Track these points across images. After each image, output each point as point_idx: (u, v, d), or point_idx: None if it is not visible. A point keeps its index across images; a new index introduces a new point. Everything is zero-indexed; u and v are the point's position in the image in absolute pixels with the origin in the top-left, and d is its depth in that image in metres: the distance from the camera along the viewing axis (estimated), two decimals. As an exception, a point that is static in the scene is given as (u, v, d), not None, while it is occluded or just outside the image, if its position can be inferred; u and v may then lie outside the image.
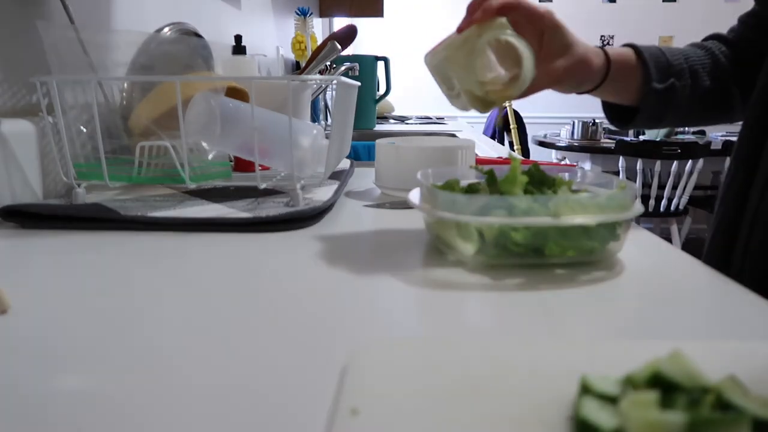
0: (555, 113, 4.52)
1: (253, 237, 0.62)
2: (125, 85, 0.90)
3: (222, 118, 0.77)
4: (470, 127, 2.80)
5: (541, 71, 0.64)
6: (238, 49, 1.23)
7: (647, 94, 0.68)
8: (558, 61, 0.65)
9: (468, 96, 0.64)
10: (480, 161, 0.97)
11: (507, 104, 3.88)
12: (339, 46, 1.19)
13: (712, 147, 3.36)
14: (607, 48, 0.71)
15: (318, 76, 1.30)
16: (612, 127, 4.33)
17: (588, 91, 0.73)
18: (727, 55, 0.73)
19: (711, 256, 0.71)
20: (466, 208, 0.50)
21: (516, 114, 3.89)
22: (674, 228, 3.48)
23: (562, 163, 3.27)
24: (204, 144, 0.82)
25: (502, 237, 0.51)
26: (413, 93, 4.71)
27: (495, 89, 0.61)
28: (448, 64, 0.64)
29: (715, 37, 0.77)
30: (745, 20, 0.75)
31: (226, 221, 0.64)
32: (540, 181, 0.58)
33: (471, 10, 0.64)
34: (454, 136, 1.93)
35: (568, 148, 3.72)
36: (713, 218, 0.74)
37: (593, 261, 0.53)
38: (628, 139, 3.55)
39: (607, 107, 0.80)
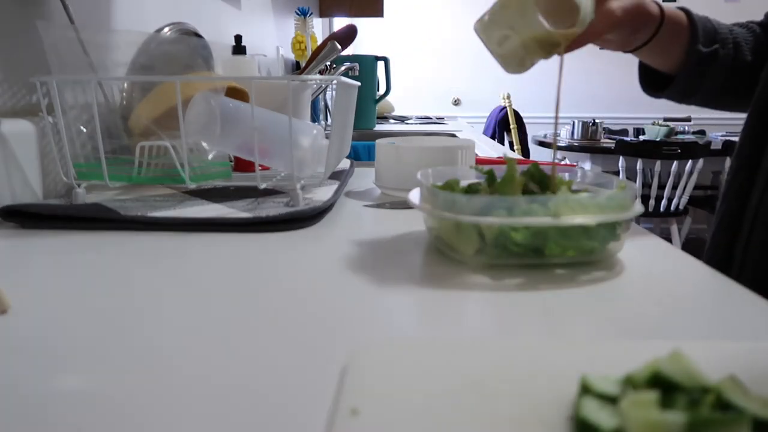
0: (555, 113, 4.52)
1: (253, 237, 0.62)
2: (125, 85, 0.90)
3: (222, 118, 0.77)
4: (470, 127, 2.80)
5: (599, 13, 0.61)
6: (238, 49, 1.23)
7: (691, 54, 0.67)
8: (615, 2, 0.63)
9: (529, 43, 0.60)
10: (480, 161, 0.97)
11: (507, 104, 3.88)
12: (339, 46, 1.19)
13: (712, 147, 3.36)
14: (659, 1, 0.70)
15: (318, 76, 1.30)
16: (612, 127, 4.31)
17: (635, 49, 0.71)
18: (762, 38, 0.73)
19: (713, 253, 0.70)
20: (466, 208, 0.50)
21: (516, 114, 3.89)
22: (674, 228, 3.48)
23: (562, 163, 3.27)
24: (204, 144, 0.82)
25: (502, 237, 0.51)
26: (413, 93, 4.71)
27: (558, 29, 0.58)
28: (504, 12, 0.60)
29: (749, 23, 0.77)
30: None
31: (226, 221, 0.64)
32: (540, 181, 0.58)
33: None
34: (454, 136, 1.93)
35: (568, 148, 3.72)
36: (715, 216, 0.73)
37: (593, 261, 0.53)
38: (628, 139, 3.55)
39: (643, 71, 0.78)
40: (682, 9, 0.72)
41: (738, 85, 0.73)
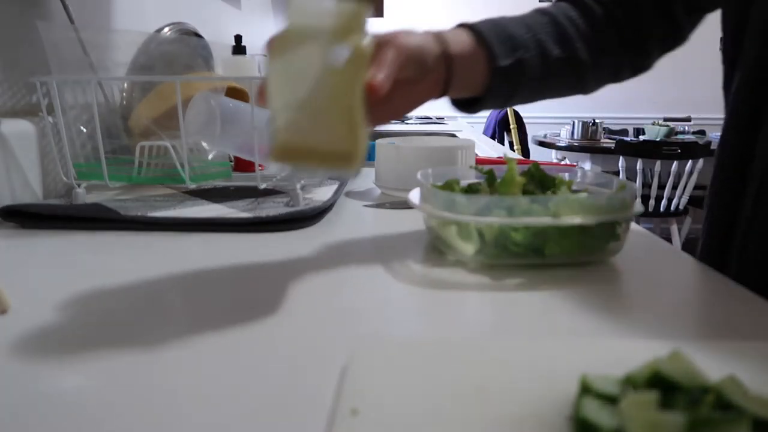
0: (555, 113, 4.52)
1: (253, 237, 0.62)
2: (125, 85, 0.90)
3: (222, 118, 0.77)
4: (470, 127, 2.80)
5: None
6: (238, 49, 1.23)
7: (494, 75, 0.61)
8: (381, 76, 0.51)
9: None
10: (480, 161, 0.97)
11: (507, 104, 3.88)
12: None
13: (712, 147, 3.36)
14: (442, 43, 0.59)
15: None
16: (612, 127, 4.31)
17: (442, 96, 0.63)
18: (575, 20, 0.66)
19: (705, 259, 0.70)
20: (466, 208, 0.50)
21: (516, 114, 3.89)
22: (674, 228, 3.48)
23: (562, 163, 3.27)
24: (204, 144, 0.82)
25: (502, 237, 0.51)
26: (413, 93, 4.71)
27: None
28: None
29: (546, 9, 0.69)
30: None
31: (226, 221, 0.64)
32: (540, 181, 0.58)
33: None
34: (454, 136, 1.93)
35: (568, 148, 3.72)
36: (703, 224, 0.73)
37: (593, 261, 0.53)
38: (628, 139, 3.55)
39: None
40: (466, 26, 0.63)
41: (556, 79, 0.67)
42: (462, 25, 0.64)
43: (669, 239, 3.48)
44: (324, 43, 0.43)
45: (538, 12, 0.68)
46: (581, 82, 0.68)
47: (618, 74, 0.71)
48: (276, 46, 0.43)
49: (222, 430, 0.28)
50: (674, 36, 0.70)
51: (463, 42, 0.61)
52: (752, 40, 0.63)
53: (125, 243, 0.59)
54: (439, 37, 0.60)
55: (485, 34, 0.62)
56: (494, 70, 0.62)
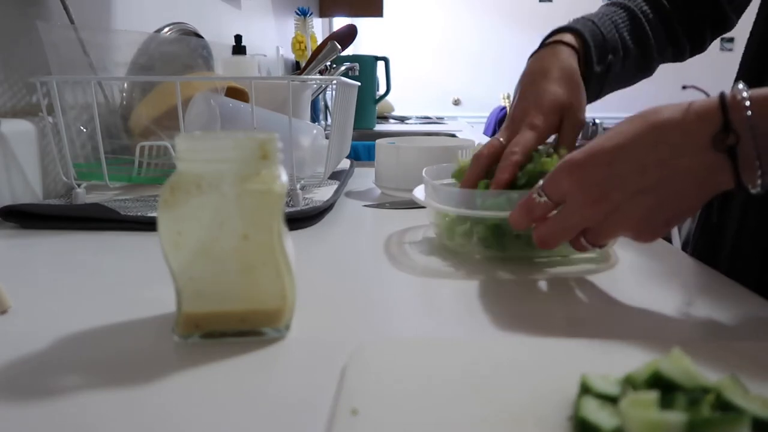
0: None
1: (253, 237, 0.62)
2: (125, 85, 0.90)
3: (222, 118, 0.77)
4: (470, 127, 2.80)
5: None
6: (238, 49, 1.23)
7: (589, 79, 0.66)
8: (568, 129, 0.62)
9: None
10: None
11: (507, 104, 3.88)
12: (339, 46, 1.19)
13: (712, 147, 3.35)
14: (565, 46, 0.66)
15: (318, 76, 1.30)
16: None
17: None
18: (648, 14, 0.72)
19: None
20: (477, 203, 0.51)
21: (516, 114, 3.89)
22: (674, 228, 3.48)
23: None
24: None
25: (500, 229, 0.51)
26: (413, 93, 4.71)
27: None
28: None
29: None
30: None
31: (226, 221, 0.64)
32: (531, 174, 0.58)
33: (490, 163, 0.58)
34: (454, 136, 1.93)
35: (568, 148, 3.72)
36: (695, 226, 0.74)
37: (593, 259, 0.53)
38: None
39: None
40: (572, 29, 0.68)
41: (632, 73, 0.74)
42: (567, 29, 0.69)
43: (669, 239, 3.48)
44: (226, 189, 0.35)
45: (618, 5, 0.73)
46: (648, 71, 0.75)
47: (678, 58, 0.77)
48: (167, 196, 0.35)
49: (222, 429, 0.28)
50: (722, 20, 0.75)
51: (570, 41, 0.67)
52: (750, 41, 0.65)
53: (125, 243, 0.59)
54: (569, 76, 0.64)
55: (588, 42, 0.67)
56: (590, 76, 0.67)
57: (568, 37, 0.67)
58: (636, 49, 0.71)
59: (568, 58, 0.64)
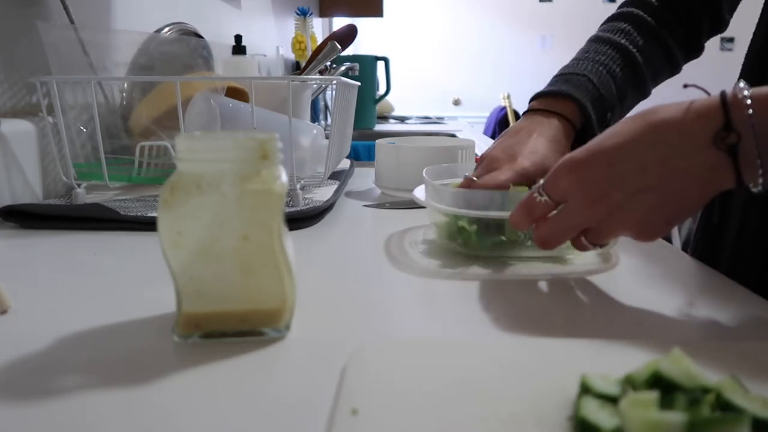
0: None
1: (253, 237, 0.62)
2: (125, 85, 0.90)
3: (222, 118, 0.77)
4: (470, 127, 2.80)
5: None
6: (238, 49, 1.23)
7: (588, 138, 0.64)
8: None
9: None
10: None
11: (507, 104, 3.88)
12: (339, 46, 1.19)
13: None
14: (556, 118, 0.66)
15: (318, 76, 1.30)
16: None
17: None
18: (637, 42, 0.71)
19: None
20: (477, 203, 0.51)
21: (516, 114, 3.89)
22: (674, 228, 3.48)
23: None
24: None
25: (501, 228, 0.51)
26: (413, 93, 4.71)
27: None
28: None
29: (636, 3, 0.74)
30: None
31: (226, 221, 0.64)
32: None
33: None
34: (454, 136, 1.93)
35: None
36: (696, 226, 0.74)
37: (593, 259, 0.53)
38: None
39: None
40: (570, 96, 0.66)
41: (628, 109, 0.73)
42: (565, 95, 0.67)
43: (669, 239, 3.48)
44: (226, 189, 0.35)
45: (612, 46, 0.71)
46: (644, 98, 0.74)
47: (674, 73, 0.77)
48: (167, 196, 0.35)
49: (222, 429, 0.28)
50: (718, 21, 0.74)
51: (568, 109, 0.66)
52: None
53: (125, 243, 0.59)
54: (557, 139, 0.63)
55: (588, 109, 0.66)
56: (590, 136, 0.65)
57: (567, 110, 0.66)
58: (633, 92, 0.71)
59: (559, 133, 0.64)
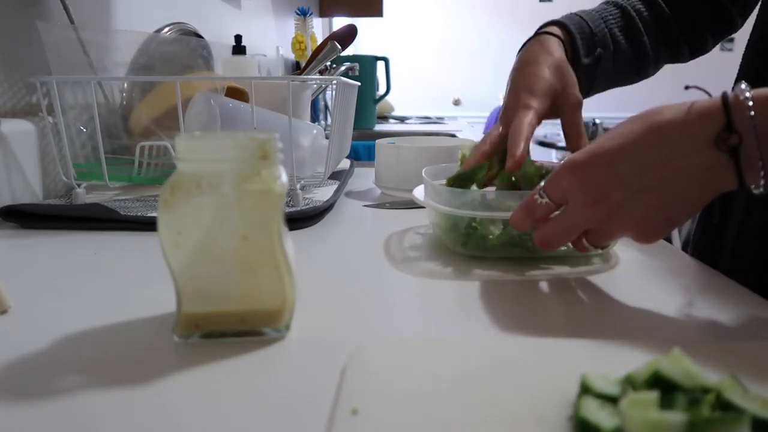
0: (555, 113, 4.53)
1: (253, 237, 0.62)
2: (125, 85, 0.90)
3: (222, 118, 0.77)
4: (470, 127, 2.80)
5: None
6: (238, 49, 1.23)
7: (577, 70, 0.66)
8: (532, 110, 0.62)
9: None
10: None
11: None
12: (339, 46, 1.19)
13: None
14: (549, 38, 0.67)
15: (318, 76, 1.30)
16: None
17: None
18: (641, 12, 0.72)
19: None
20: (476, 204, 0.50)
21: (516, 114, 3.89)
22: (675, 229, 3.48)
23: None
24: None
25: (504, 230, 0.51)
26: (413, 93, 4.71)
27: None
28: None
29: None
30: None
31: (226, 221, 0.64)
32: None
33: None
34: (454, 136, 1.93)
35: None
36: (695, 226, 0.74)
37: (591, 258, 0.53)
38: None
39: None
40: (558, 23, 0.69)
41: (626, 71, 0.74)
42: (554, 23, 0.69)
43: (669, 239, 3.47)
44: (226, 189, 0.35)
45: (612, 4, 0.74)
46: (644, 71, 0.75)
47: (677, 59, 0.77)
48: (167, 196, 0.35)
49: (222, 429, 0.28)
50: (724, 20, 0.74)
51: (555, 33, 0.68)
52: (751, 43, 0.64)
53: (125, 243, 0.59)
54: (558, 66, 0.64)
55: (573, 33, 0.68)
56: (578, 67, 0.67)
57: (554, 29, 0.68)
58: (628, 47, 0.72)
59: (555, 47, 0.65)
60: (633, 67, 0.73)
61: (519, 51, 0.68)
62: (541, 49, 0.65)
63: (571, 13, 0.71)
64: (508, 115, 0.61)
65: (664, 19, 0.73)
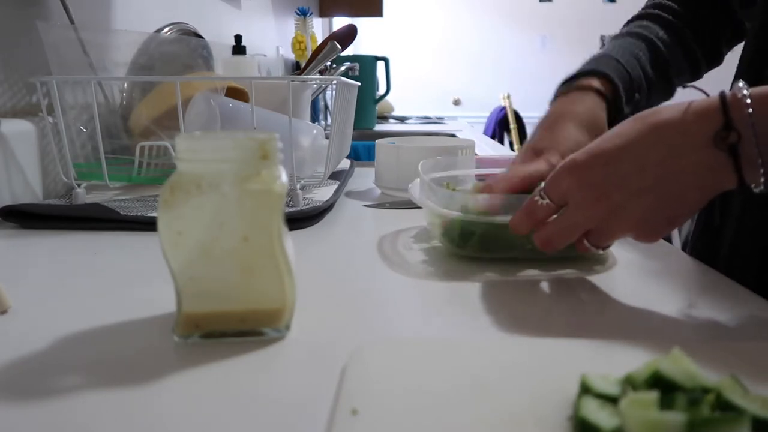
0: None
1: (253, 237, 0.62)
2: (125, 85, 0.90)
3: (222, 118, 0.77)
4: (470, 127, 2.80)
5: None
6: (238, 49, 1.23)
7: (617, 119, 0.64)
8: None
9: None
10: (480, 161, 0.97)
11: (507, 104, 3.88)
12: (339, 46, 1.19)
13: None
14: (589, 93, 0.64)
15: (318, 76, 1.30)
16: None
17: None
18: (663, 39, 0.72)
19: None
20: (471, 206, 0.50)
21: (516, 114, 3.89)
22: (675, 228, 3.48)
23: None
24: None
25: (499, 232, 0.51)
26: (413, 93, 4.71)
27: None
28: None
29: (658, 6, 0.75)
30: None
31: (226, 221, 0.64)
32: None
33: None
34: (454, 136, 1.93)
35: (568, 148, 3.71)
36: (694, 225, 0.74)
37: (591, 257, 0.53)
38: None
39: None
40: (600, 74, 0.66)
41: (653, 102, 0.73)
42: (594, 73, 0.66)
43: (669, 239, 3.47)
44: (226, 189, 0.35)
45: (636, 36, 0.72)
46: (668, 96, 0.74)
47: (696, 77, 0.77)
48: (167, 196, 0.35)
49: (222, 429, 0.28)
50: (737, 29, 0.74)
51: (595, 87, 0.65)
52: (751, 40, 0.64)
53: (125, 243, 0.59)
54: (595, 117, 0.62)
55: (616, 84, 0.65)
56: (619, 117, 0.64)
57: (596, 83, 0.65)
58: (658, 81, 0.71)
59: (595, 106, 0.63)
60: (660, 99, 0.73)
61: (555, 98, 0.65)
62: (580, 105, 0.62)
63: (606, 57, 0.68)
64: (527, 159, 0.59)
65: (684, 40, 0.73)
